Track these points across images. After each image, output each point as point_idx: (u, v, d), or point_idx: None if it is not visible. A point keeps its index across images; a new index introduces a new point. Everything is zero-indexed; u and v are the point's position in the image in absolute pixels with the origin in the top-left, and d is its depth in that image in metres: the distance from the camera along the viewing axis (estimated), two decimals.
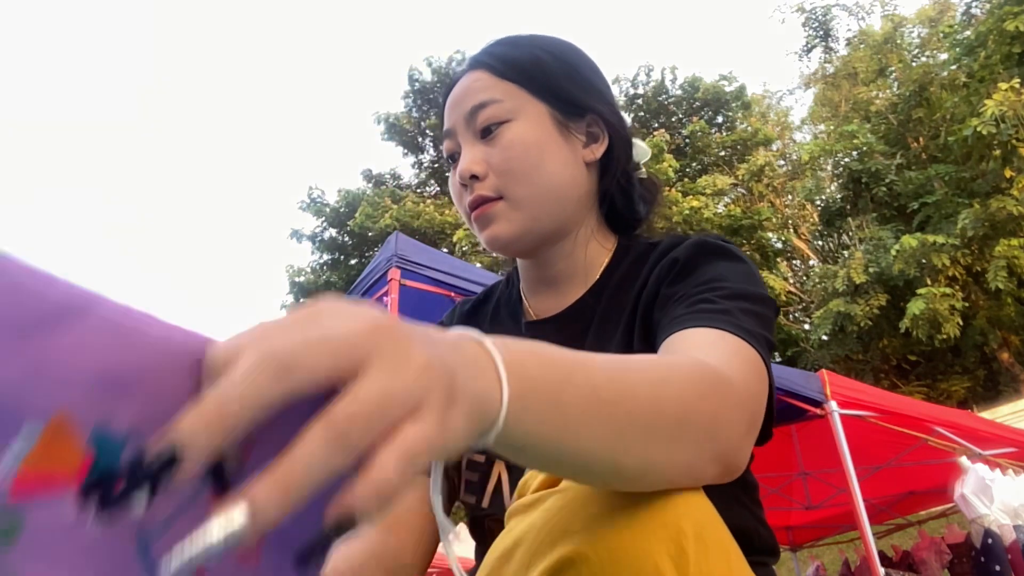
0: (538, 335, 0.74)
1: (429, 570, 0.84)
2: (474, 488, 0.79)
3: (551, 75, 0.76)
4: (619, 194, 0.81)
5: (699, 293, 0.64)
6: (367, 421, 0.27)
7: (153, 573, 0.26)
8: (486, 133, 0.74)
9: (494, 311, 0.88)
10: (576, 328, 0.70)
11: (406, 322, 0.33)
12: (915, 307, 10.35)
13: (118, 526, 0.25)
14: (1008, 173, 10.82)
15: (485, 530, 0.78)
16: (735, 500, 0.71)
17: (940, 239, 10.49)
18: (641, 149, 0.84)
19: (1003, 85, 10.14)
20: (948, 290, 10.46)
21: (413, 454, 0.28)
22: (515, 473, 0.76)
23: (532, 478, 0.52)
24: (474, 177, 0.73)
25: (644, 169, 0.85)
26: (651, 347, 0.67)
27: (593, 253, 0.80)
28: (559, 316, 0.79)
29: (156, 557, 0.26)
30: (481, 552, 0.82)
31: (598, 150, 0.78)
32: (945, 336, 10.48)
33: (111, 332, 0.26)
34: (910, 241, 10.58)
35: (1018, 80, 10.11)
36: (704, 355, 0.55)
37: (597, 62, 0.85)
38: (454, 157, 0.77)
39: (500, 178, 0.73)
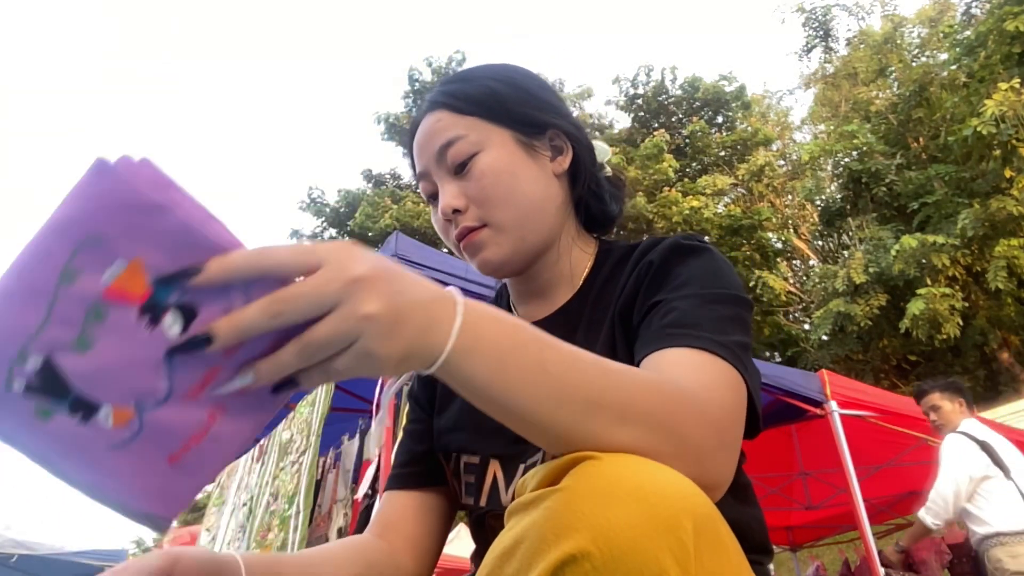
0: None
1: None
2: (471, 489, 0.80)
3: (507, 101, 0.80)
4: (592, 198, 0.86)
5: (671, 302, 0.67)
6: (292, 304, 0.43)
7: (170, 369, 0.43)
8: (459, 168, 0.78)
9: None
10: (564, 331, 0.71)
11: (391, 262, 0.47)
12: (915, 307, 10.35)
13: (157, 338, 0.42)
14: (1008, 173, 10.81)
15: (486, 528, 0.79)
16: (726, 496, 0.71)
17: (940, 239, 10.48)
18: (602, 149, 0.88)
19: (1003, 85, 10.14)
20: (948, 290, 10.45)
21: (308, 344, 0.43)
22: (509, 471, 0.77)
23: (531, 477, 0.52)
24: (456, 211, 0.78)
25: (607, 167, 0.89)
26: (633, 349, 0.70)
27: (576, 259, 0.84)
28: (547, 320, 0.83)
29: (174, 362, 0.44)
30: (482, 553, 0.82)
31: (564, 161, 0.83)
32: (945, 336, 10.48)
33: (183, 226, 0.41)
34: (910, 241, 10.58)
35: (1018, 80, 10.11)
36: (672, 375, 0.58)
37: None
38: (434, 196, 0.81)
39: (480, 208, 0.77)
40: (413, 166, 0.85)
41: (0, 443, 0.43)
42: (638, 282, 0.74)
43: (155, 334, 0.42)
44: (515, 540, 0.48)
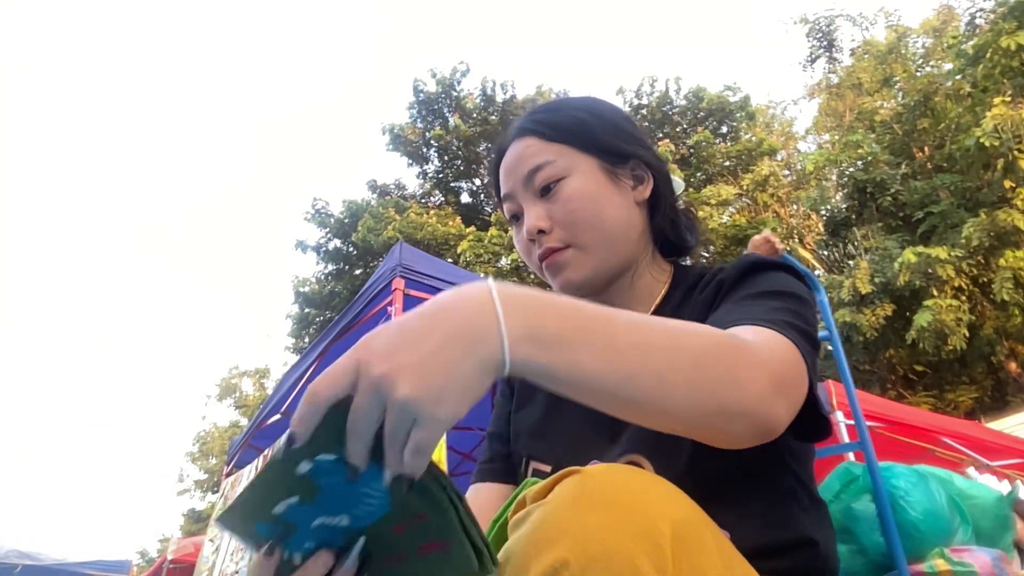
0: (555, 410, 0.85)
1: None
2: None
3: (593, 131, 0.85)
4: (669, 227, 0.89)
5: (734, 300, 0.73)
6: (360, 426, 0.45)
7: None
8: (545, 191, 0.83)
9: None
10: None
11: (402, 322, 0.47)
12: (922, 319, 10.30)
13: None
14: (1008, 184, 10.79)
15: None
16: (791, 513, 0.74)
17: (943, 254, 10.44)
18: (677, 183, 0.93)
19: (998, 100, 10.15)
20: (955, 302, 10.40)
21: (391, 442, 0.44)
22: None
23: (529, 492, 0.54)
24: (541, 232, 0.82)
25: (681, 199, 0.94)
26: None
27: (650, 283, 0.88)
28: None
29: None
30: None
31: (645, 190, 0.87)
32: (952, 348, 10.42)
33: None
34: (910, 256, 10.55)
35: (1010, 95, 10.13)
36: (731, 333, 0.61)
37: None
38: (517, 217, 0.86)
39: (565, 229, 0.82)
40: (497, 188, 0.89)
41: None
42: (708, 300, 0.78)
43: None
44: (506, 557, 0.50)
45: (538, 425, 0.88)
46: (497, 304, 0.48)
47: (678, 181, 0.94)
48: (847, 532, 1.56)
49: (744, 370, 0.55)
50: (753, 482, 0.74)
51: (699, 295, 0.81)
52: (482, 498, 0.89)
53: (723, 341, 0.56)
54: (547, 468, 0.83)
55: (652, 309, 0.86)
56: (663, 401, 0.52)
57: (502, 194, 0.88)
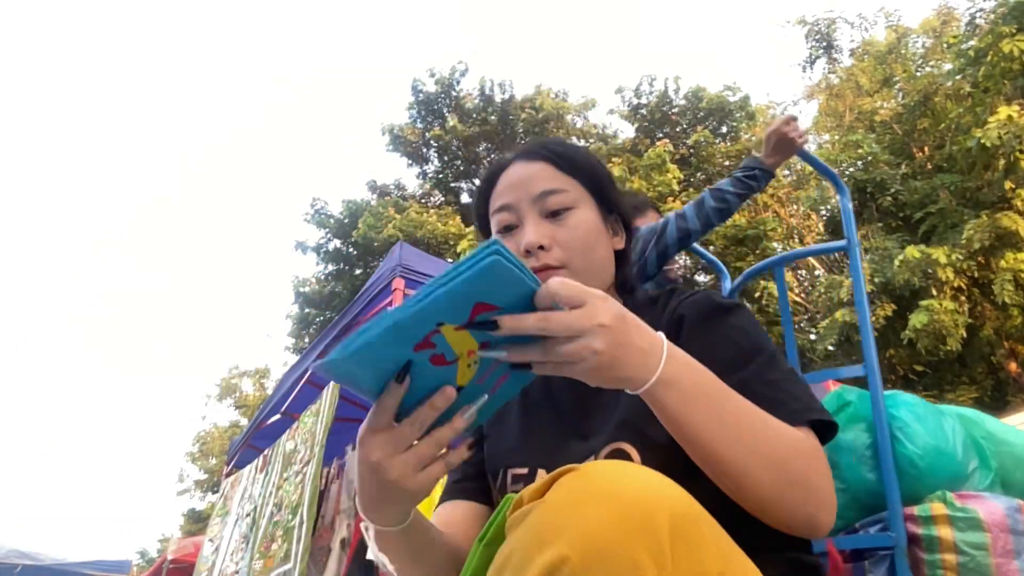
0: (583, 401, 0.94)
1: None
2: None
3: (600, 178, 0.98)
4: (631, 274, 1.02)
5: (751, 370, 0.80)
6: (555, 324, 0.61)
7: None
8: (554, 214, 0.92)
9: None
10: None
11: (629, 315, 0.67)
12: (917, 320, 10.30)
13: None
14: (1009, 185, 10.78)
15: None
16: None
17: (943, 257, 10.42)
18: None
19: (1004, 109, 10.13)
20: (953, 305, 10.38)
21: (551, 351, 0.63)
22: None
23: (525, 492, 0.55)
24: (540, 248, 0.90)
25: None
26: None
27: None
28: None
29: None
30: None
31: (619, 242, 1.00)
32: (949, 349, 10.42)
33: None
34: (913, 252, 10.53)
35: (1017, 106, 10.11)
36: (798, 437, 0.74)
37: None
38: (510, 228, 0.95)
39: (565, 252, 0.91)
40: (485, 196, 1.00)
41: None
42: (668, 331, 0.81)
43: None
44: (505, 557, 0.51)
45: (514, 440, 0.95)
46: (664, 351, 0.67)
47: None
48: (830, 465, 1.41)
49: (817, 478, 0.71)
50: None
51: (665, 322, 0.88)
52: (458, 516, 0.94)
53: (801, 447, 0.71)
54: (524, 471, 0.89)
55: None
56: (743, 473, 0.67)
57: (501, 204, 0.95)
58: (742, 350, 0.81)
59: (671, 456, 0.72)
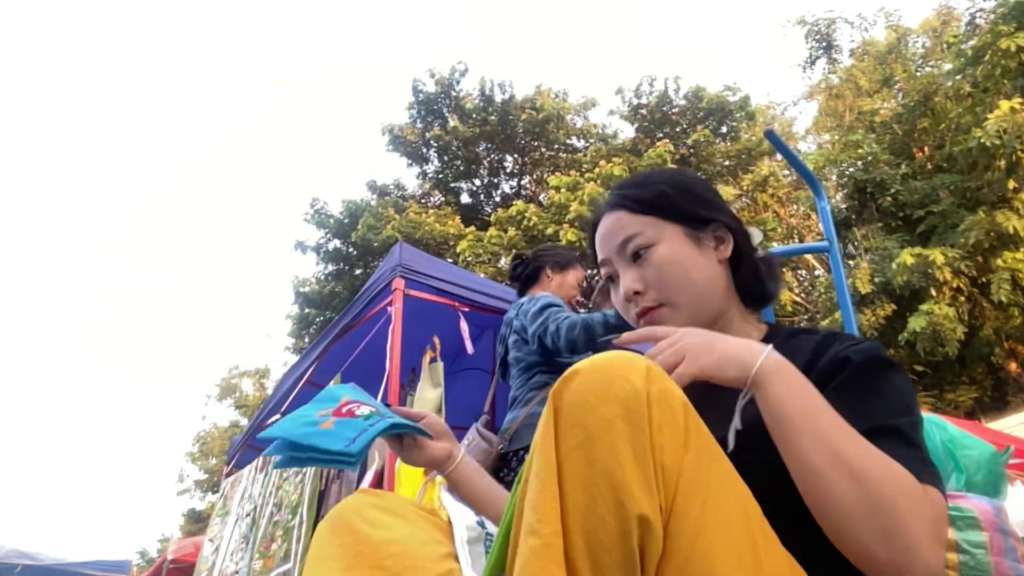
0: (707, 400, 0.93)
1: None
2: None
3: (676, 202, 0.98)
4: (752, 280, 1.00)
5: (864, 406, 0.79)
6: (656, 334, 0.81)
7: None
8: (636, 257, 0.96)
9: None
10: (733, 397, 0.80)
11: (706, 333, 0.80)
12: (916, 323, 10.28)
13: None
14: (1012, 184, 10.77)
15: None
16: None
17: (940, 258, 10.41)
18: (755, 234, 1.03)
19: (1004, 103, 10.11)
20: (951, 311, 10.37)
21: (667, 359, 0.75)
22: None
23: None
24: (637, 293, 0.94)
25: (760, 250, 1.04)
26: None
27: (741, 333, 0.96)
28: (720, 388, 0.95)
29: None
30: None
31: (727, 249, 0.98)
32: (947, 351, 10.42)
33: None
34: (907, 258, 10.53)
35: (1019, 100, 10.09)
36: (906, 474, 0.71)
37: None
38: (612, 278, 1.00)
39: (657, 290, 0.94)
40: (594, 254, 1.04)
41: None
42: (830, 371, 0.84)
43: None
44: (506, 524, 0.66)
45: None
46: (766, 348, 0.76)
47: (756, 232, 1.02)
48: None
49: (915, 522, 0.65)
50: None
51: (811, 358, 0.86)
52: None
53: (903, 481, 0.67)
54: None
55: None
56: (822, 476, 0.67)
57: (600, 259, 1.01)
58: (892, 405, 0.79)
59: (770, 481, 0.73)
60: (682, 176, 1.03)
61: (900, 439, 0.74)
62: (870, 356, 0.85)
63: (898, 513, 0.64)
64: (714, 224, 0.98)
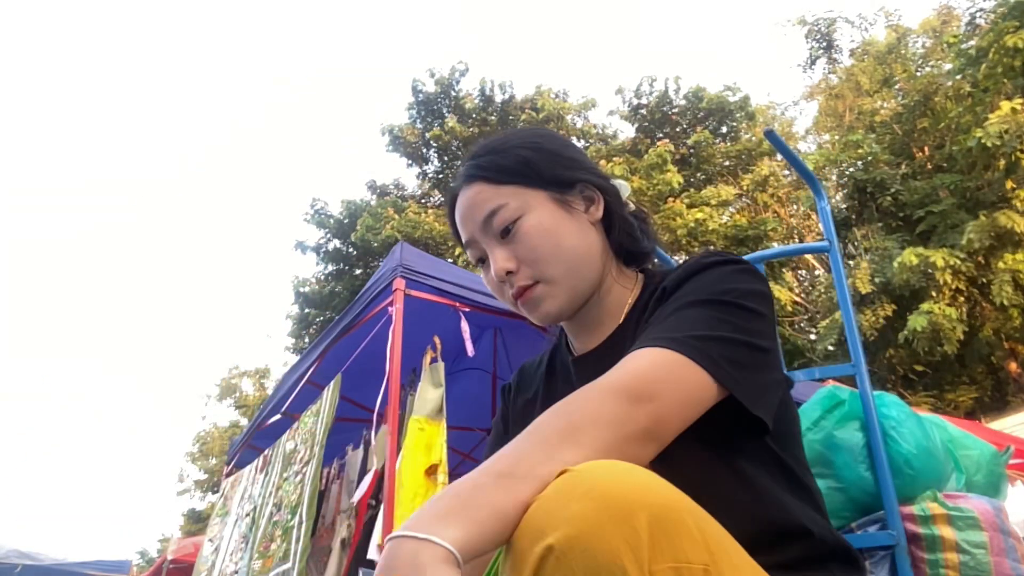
0: (583, 368, 0.90)
1: None
2: None
3: (537, 166, 0.88)
4: (626, 238, 0.92)
5: (666, 311, 0.77)
6: None
7: None
8: (505, 233, 0.86)
9: (549, 361, 1.01)
10: (613, 359, 0.77)
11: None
12: (916, 323, 10.28)
13: None
14: (1010, 184, 10.77)
15: None
16: (777, 498, 0.76)
17: (940, 260, 10.40)
18: (622, 187, 0.95)
19: (1005, 104, 10.11)
20: (951, 311, 10.37)
21: None
22: None
23: None
24: (509, 272, 0.86)
25: (629, 203, 0.96)
26: None
27: (619, 295, 0.91)
28: (596, 351, 0.91)
29: None
30: None
31: (597, 210, 0.91)
32: (947, 351, 10.42)
33: None
34: (910, 257, 10.52)
35: (1020, 100, 10.09)
36: (606, 378, 0.68)
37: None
38: (483, 260, 0.90)
39: (531, 267, 0.85)
40: (458, 235, 0.92)
41: None
42: (655, 306, 0.81)
43: None
44: (508, 549, 0.56)
45: None
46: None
47: (624, 186, 0.95)
48: (826, 464, 1.38)
49: (587, 423, 0.63)
50: (733, 471, 0.76)
51: (653, 302, 0.84)
52: None
53: (551, 420, 0.65)
54: None
55: (622, 319, 0.90)
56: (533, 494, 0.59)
57: (464, 240, 0.91)
58: (694, 295, 0.76)
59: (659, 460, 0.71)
60: (539, 135, 0.94)
61: (668, 317, 0.74)
62: (684, 271, 0.81)
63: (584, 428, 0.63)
64: (581, 184, 0.90)
